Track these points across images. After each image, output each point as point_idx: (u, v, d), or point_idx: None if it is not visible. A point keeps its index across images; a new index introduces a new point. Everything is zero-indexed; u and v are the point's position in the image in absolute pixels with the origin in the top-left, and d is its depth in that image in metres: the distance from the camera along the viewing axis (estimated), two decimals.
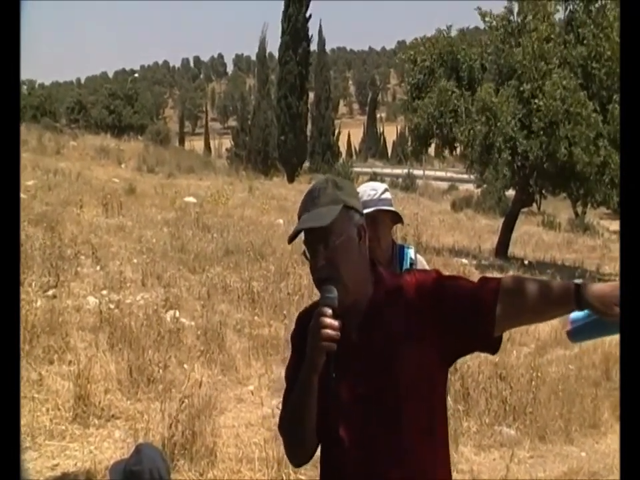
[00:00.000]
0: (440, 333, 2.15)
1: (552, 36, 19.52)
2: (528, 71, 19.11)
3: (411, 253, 4.04)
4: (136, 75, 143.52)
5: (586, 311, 2.10)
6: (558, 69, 19.06)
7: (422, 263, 4.13)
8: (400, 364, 2.14)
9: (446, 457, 2.29)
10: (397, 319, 2.19)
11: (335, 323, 2.08)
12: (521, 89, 19.15)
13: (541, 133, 18.78)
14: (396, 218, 3.93)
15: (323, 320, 2.08)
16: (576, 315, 2.21)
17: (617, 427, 7.27)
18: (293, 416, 2.24)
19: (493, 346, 2.21)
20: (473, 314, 2.13)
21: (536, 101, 18.72)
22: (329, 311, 2.09)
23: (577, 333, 2.26)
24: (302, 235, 2.21)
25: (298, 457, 2.33)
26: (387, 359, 2.16)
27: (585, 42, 19.52)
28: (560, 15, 20.80)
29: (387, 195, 3.92)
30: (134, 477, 3.21)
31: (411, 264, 3.97)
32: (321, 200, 2.20)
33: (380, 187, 3.98)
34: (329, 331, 2.07)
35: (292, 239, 2.21)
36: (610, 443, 7.24)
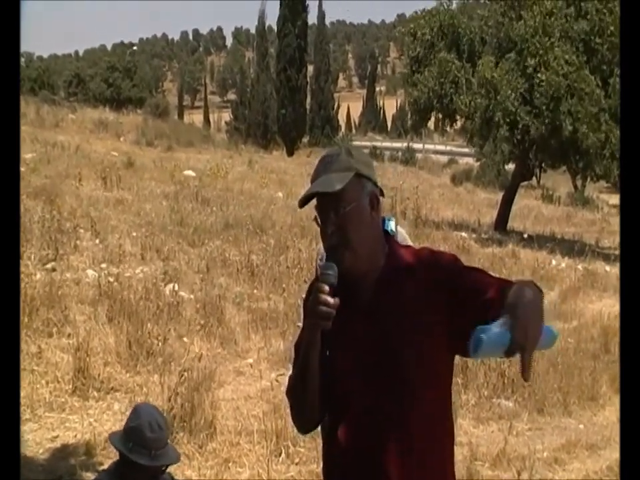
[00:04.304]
0: (449, 325, 2.10)
1: (554, 10, 19.33)
2: (530, 45, 18.94)
3: (391, 224, 3.95)
4: (134, 47, 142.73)
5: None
6: (559, 42, 18.88)
7: (403, 235, 4.08)
8: (409, 334, 2.12)
9: (450, 428, 2.28)
10: (408, 293, 2.16)
11: (331, 300, 2.07)
12: (525, 64, 18.98)
13: (544, 108, 18.64)
14: None
15: (319, 296, 2.07)
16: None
17: (615, 400, 7.31)
18: (295, 387, 2.25)
19: None
20: (482, 315, 1.96)
21: (539, 75, 18.57)
22: (326, 288, 2.08)
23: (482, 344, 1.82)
24: (314, 201, 2.20)
25: (301, 426, 2.35)
26: (396, 328, 2.13)
27: (587, 16, 19.32)
28: None
29: None
30: (134, 432, 3.20)
31: (392, 236, 3.92)
32: (333, 166, 2.19)
33: None
34: (324, 308, 2.06)
35: (302, 203, 2.21)
36: (608, 415, 7.27)
